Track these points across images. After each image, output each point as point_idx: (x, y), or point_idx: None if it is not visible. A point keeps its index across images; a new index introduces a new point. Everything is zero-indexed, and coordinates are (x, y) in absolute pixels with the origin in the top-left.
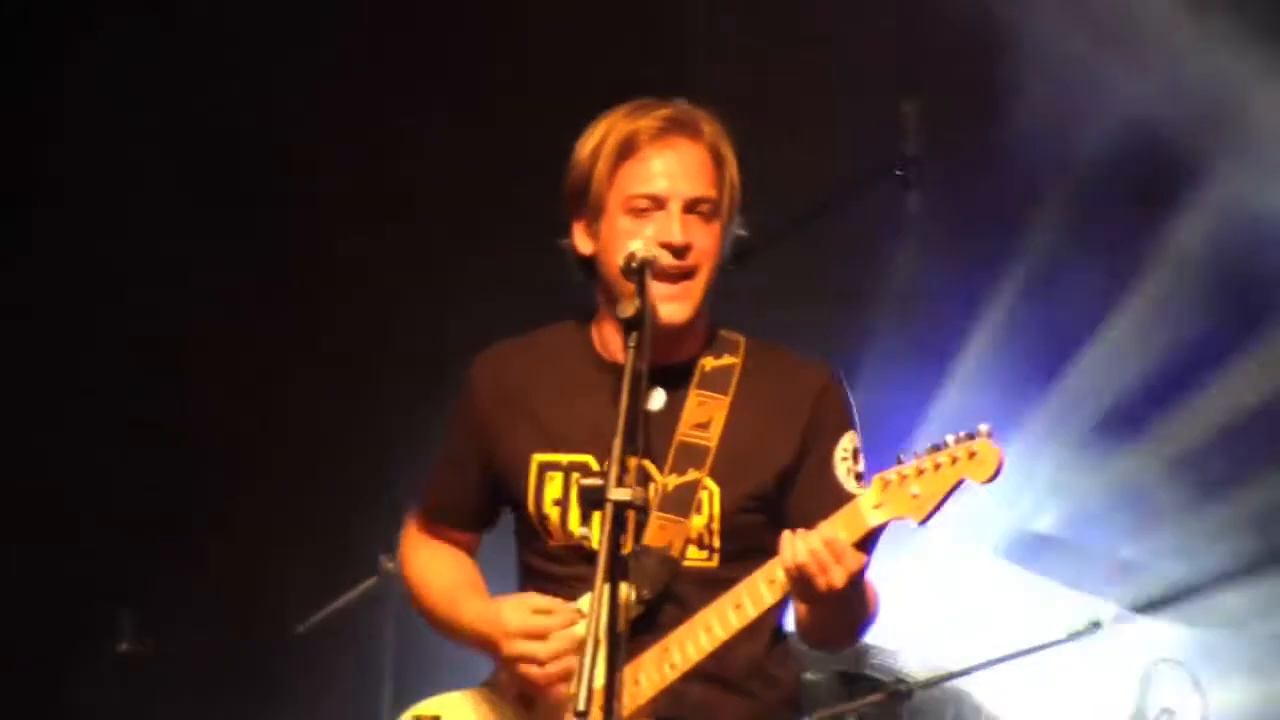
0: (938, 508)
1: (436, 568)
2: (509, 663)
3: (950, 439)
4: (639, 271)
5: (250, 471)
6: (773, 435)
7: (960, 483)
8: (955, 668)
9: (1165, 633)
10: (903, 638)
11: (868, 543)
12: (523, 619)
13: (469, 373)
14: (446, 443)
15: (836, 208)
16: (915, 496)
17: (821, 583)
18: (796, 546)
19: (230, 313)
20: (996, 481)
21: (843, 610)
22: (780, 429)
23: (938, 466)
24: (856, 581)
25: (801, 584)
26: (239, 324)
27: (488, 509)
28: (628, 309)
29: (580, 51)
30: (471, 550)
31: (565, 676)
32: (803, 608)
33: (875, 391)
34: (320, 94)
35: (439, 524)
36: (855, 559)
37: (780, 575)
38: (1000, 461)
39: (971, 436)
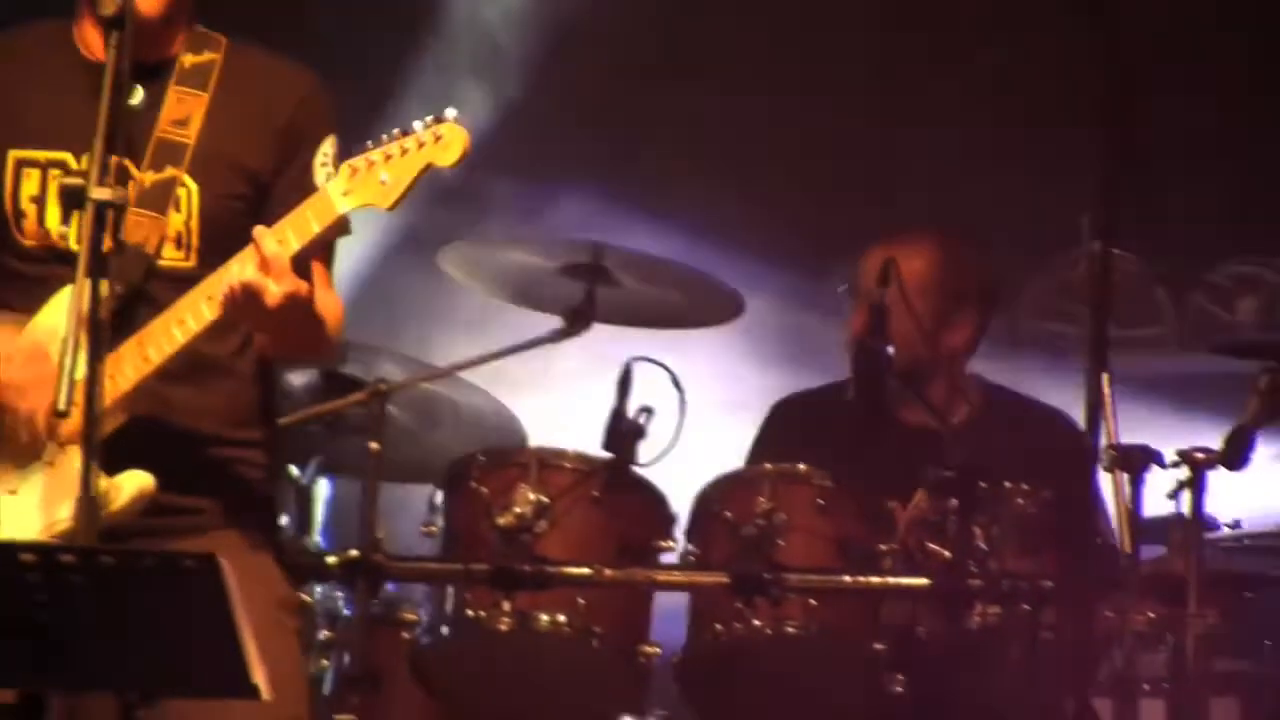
0: (405, 193)
1: None
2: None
3: (418, 124)
4: None
5: None
6: (251, 135)
7: (428, 167)
8: (434, 367)
9: (639, 333)
10: (385, 338)
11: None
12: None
13: None
14: None
15: None
16: (384, 183)
17: (252, 304)
18: (231, 270)
19: None
20: (461, 165)
21: (288, 329)
22: (259, 130)
23: (405, 151)
24: (297, 306)
25: (233, 305)
26: None
27: None
28: (108, 6)
29: None
30: None
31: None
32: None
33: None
34: None
35: None
36: (291, 281)
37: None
38: (465, 145)
39: (440, 121)
